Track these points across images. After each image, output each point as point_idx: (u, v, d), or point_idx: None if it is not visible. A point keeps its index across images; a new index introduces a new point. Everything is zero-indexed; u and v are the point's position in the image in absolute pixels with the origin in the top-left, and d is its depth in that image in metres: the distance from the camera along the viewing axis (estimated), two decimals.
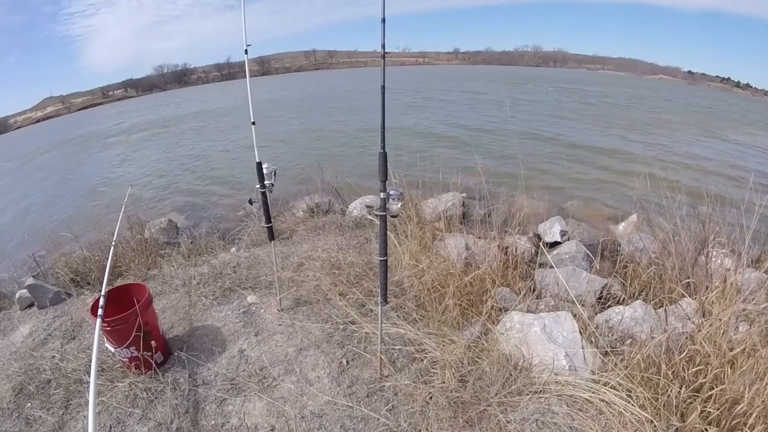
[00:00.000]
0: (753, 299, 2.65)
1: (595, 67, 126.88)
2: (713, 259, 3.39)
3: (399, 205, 2.20)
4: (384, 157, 2.07)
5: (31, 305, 4.21)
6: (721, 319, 2.39)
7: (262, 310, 3.49)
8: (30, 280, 4.22)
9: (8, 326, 3.97)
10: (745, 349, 2.21)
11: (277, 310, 3.44)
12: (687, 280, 3.15)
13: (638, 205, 4.95)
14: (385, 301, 2.38)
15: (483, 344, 2.80)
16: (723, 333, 2.34)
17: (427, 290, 3.23)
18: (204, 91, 64.73)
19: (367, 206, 5.22)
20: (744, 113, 27.19)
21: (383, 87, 1.97)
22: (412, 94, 26.85)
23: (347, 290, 3.48)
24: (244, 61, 2.73)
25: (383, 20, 1.94)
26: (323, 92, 35.38)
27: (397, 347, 2.86)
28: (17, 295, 4.23)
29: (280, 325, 3.27)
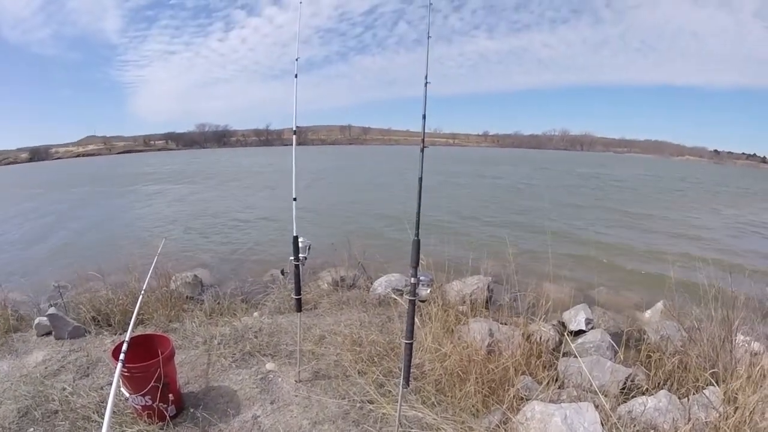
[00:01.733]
0: None
1: (622, 150, 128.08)
2: (741, 344, 3.33)
3: (428, 291, 2.26)
4: (417, 244, 2.15)
5: (48, 333, 4.27)
6: (746, 407, 2.32)
7: (280, 379, 3.47)
8: (52, 310, 4.31)
9: (22, 349, 4.04)
10: None
11: (295, 380, 3.42)
12: (712, 370, 3.07)
13: (665, 292, 4.89)
14: (407, 384, 2.38)
15: None
16: (749, 421, 2.26)
17: (448, 375, 3.19)
18: (244, 154, 67.26)
19: (396, 289, 5.23)
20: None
21: (420, 179, 2.08)
22: (444, 175, 27.41)
23: (367, 368, 3.45)
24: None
25: (424, 116, 2.10)
26: (356, 168, 36.26)
27: (413, 430, 2.79)
28: (36, 321, 4.31)
29: (296, 396, 3.24)
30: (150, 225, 12.38)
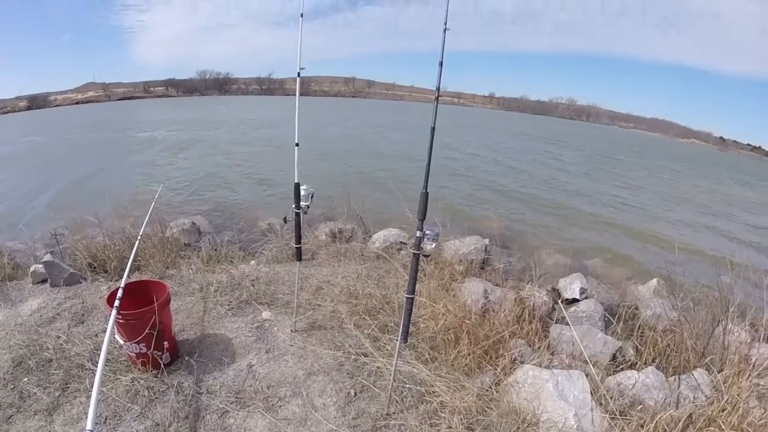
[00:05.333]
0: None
1: (627, 126, 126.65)
2: (731, 331, 3.36)
3: (433, 246, 2.21)
4: (425, 197, 2.09)
5: (44, 281, 4.23)
6: (734, 395, 2.36)
7: (276, 328, 3.48)
8: (47, 257, 4.25)
9: (18, 297, 4.01)
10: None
11: (291, 330, 3.43)
12: (702, 351, 3.12)
13: (660, 269, 4.90)
14: (405, 339, 2.37)
15: (494, 394, 2.77)
16: (734, 408, 2.33)
17: (442, 333, 3.20)
18: (245, 102, 65.98)
19: (401, 243, 5.23)
20: None
21: (433, 129, 2.01)
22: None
23: (362, 321, 3.46)
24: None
25: (440, 63, 2.00)
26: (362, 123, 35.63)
27: (407, 386, 2.82)
28: (32, 269, 4.27)
29: (292, 345, 3.26)
30: (146, 171, 12.24)
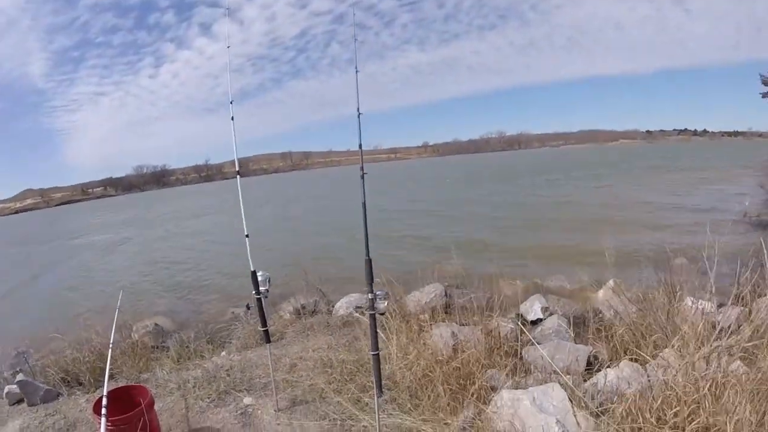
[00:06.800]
0: (727, 334, 2.76)
1: (558, 144, 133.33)
2: (689, 304, 3.60)
3: (385, 304, 2.41)
4: (369, 263, 2.32)
5: (20, 401, 4.16)
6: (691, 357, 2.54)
7: (260, 411, 3.52)
8: (20, 377, 4.22)
9: None
10: (715, 381, 2.33)
11: (274, 410, 3.48)
12: (664, 332, 3.33)
13: (612, 270, 5.23)
14: (380, 392, 2.52)
15: (478, 424, 2.88)
16: (697, 370, 2.47)
17: (418, 380, 3.35)
18: (185, 192, 65.24)
19: (357, 307, 5.41)
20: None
21: (364, 204, 2.26)
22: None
23: (342, 387, 3.56)
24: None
25: (360, 146, 2.29)
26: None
27: None
28: (6, 390, 4.19)
29: (278, 424, 3.31)
30: (97, 278, 11.99)
